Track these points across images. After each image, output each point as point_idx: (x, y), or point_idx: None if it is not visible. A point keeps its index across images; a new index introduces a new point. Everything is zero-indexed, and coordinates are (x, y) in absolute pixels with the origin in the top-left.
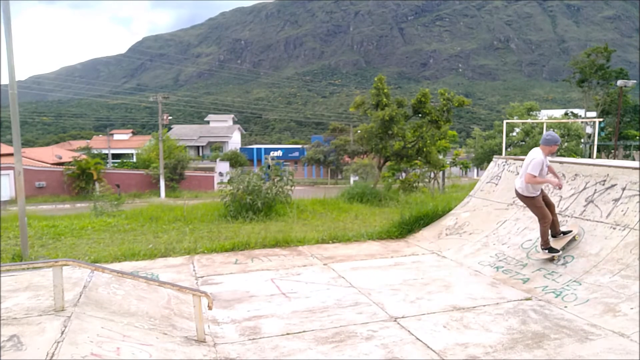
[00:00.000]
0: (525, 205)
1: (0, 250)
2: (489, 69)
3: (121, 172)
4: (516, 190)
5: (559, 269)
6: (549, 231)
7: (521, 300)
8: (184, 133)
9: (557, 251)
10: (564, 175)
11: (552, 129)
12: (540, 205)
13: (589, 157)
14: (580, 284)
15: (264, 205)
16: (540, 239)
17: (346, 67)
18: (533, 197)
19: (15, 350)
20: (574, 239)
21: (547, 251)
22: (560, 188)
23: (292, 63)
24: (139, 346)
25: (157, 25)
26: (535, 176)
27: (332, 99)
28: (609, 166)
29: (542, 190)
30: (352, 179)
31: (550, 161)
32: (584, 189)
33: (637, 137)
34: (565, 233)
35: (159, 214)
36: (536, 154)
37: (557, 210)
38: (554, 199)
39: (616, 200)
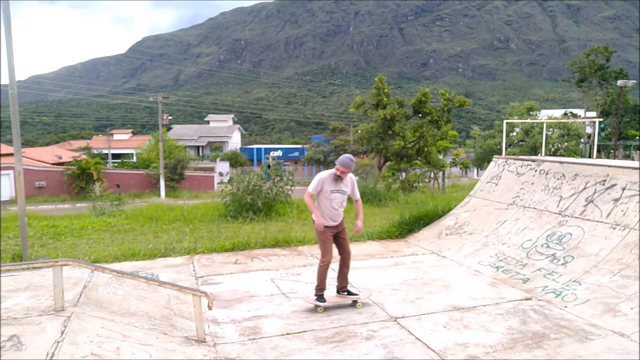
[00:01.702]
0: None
1: (0, 250)
2: (489, 69)
3: (121, 172)
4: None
5: (559, 269)
6: (326, 277)
7: (521, 300)
8: (184, 133)
9: (324, 302)
10: (563, 175)
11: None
12: (324, 239)
13: (589, 157)
14: (580, 284)
15: (264, 205)
16: (316, 279)
17: (346, 67)
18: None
19: (15, 350)
20: (355, 305)
21: (315, 298)
22: (319, 229)
23: (292, 63)
24: (139, 346)
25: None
26: (310, 194)
27: (332, 99)
28: (609, 166)
29: (342, 230)
30: None
31: (551, 161)
32: (584, 189)
33: (637, 137)
34: (350, 294)
35: (159, 214)
36: (323, 172)
37: (557, 209)
38: (553, 199)
39: (616, 200)
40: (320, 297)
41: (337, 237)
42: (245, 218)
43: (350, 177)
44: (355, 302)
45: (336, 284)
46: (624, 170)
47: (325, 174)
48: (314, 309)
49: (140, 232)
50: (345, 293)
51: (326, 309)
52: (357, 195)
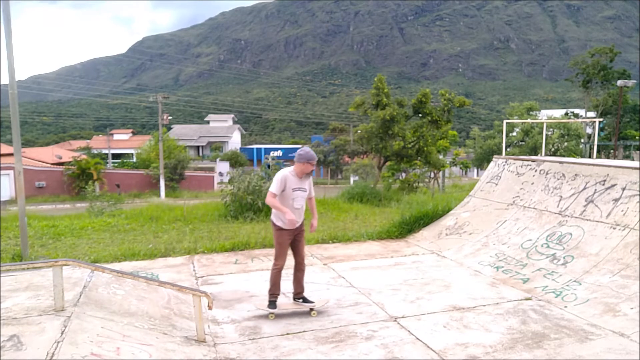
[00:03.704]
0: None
1: (0, 250)
2: (489, 69)
3: (121, 172)
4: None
5: (559, 269)
6: (280, 282)
7: (521, 300)
8: (184, 133)
9: (274, 308)
10: (563, 175)
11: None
12: (281, 242)
13: (589, 157)
14: (580, 284)
15: (264, 205)
16: (268, 284)
17: (346, 67)
18: (279, 228)
19: (15, 350)
20: (310, 312)
21: (267, 304)
22: (292, 227)
23: (292, 63)
24: (139, 346)
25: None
26: (273, 194)
27: (332, 99)
28: (609, 166)
29: (301, 232)
30: (352, 179)
31: (551, 161)
32: (584, 189)
33: (637, 137)
34: (306, 301)
35: (159, 214)
36: (282, 170)
37: (557, 209)
38: (553, 199)
39: (616, 200)
40: (272, 303)
41: (293, 240)
42: (246, 218)
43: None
44: (311, 309)
45: (279, 282)
46: (624, 170)
47: (287, 171)
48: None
49: (140, 232)
50: (301, 300)
51: (326, 308)
52: (313, 193)
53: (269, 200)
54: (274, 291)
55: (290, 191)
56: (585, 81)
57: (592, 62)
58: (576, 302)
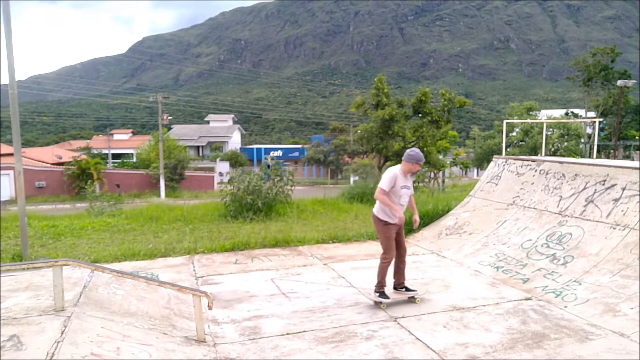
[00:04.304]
0: (376, 230)
1: (0, 250)
2: (489, 69)
3: (121, 172)
4: (372, 213)
5: (559, 269)
6: (387, 275)
7: (521, 300)
8: (184, 133)
9: (387, 298)
10: (563, 175)
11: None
12: (389, 236)
13: (589, 157)
14: (580, 284)
15: (264, 205)
16: (376, 277)
17: (346, 67)
18: (385, 223)
19: (15, 350)
20: (414, 300)
21: (377, 295)
22: (400, 223)
23: (292, 63)
24: (139, 346)
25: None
26: (384, 191)
27: (332, 99)
28: (609, 166)
29: (400, 226)
30: (352, 179)
31: (551, 161)
32: (584, 189)
33: (637, 138)
34: (408, 289)
35: (159, 214)
36: (392, 169)
37: (557, 209)
38: (553, 199)
39: (616, 200)
40: (382, 293)
41: (396, 234)
42: (245, 218)
43: None
44: (413, 298)
45: (386, 275)
46: (624, 170)
47: (397, 170)
48: (314, 309)
49: (140, 232)
50: (404, 289)
51: (326, 308)
52: (412, 190)
53: (379, 196)
54: (383, 283)
55: (399, 188)
56: (586, 79)
57: (593, 62)
58: (576, 302)
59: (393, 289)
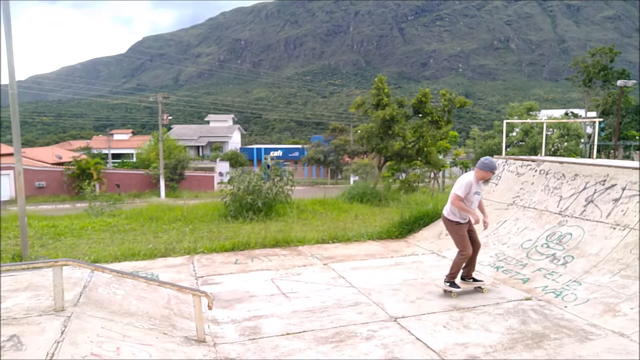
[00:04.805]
0: (448, 231)
1: (0, 250)
2: (489, 69)
3: (121, 172)
4: (442, 215)
5: (559, 269)
6: (461, 270)
7: (521, 300)
8: (184, 133)
9: (458, 288)
10: (563, 175)
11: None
12: (463, 234)
13: (589, 157)
14: (580, 284)
15: (264, 205)
16: (450, 269)
17: (346, 67)
18: (457, 222)
19: (15, 350)
20: (481, 290)
21: (448, 284)
22: (477, 223)
23: (292, 63)
24: (139, 346)
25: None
26: (460, 197)
27: (332, 99)
28: (609, 166)
29: (470, 223)
30: (352, 179)
31: (551, 161)
32: (584, 189)
33: (637, 138)
34: (475, 280)
35: (159, 214)
36: (467, 175)
37: (557, 209)
38: (553, 199)
39: (616, 200)
40: (452, 283)
41: (469, 232)
42: (245, 218)
43: None
44: (480, 287)
45: (460, 270)
46: (624, 170)
47: (471, 177)
48: (314, 309)
49: (140, 232)
50: (471, 280)
51: (326, 308)
52: (482, 195)
53: (455, 202)
54: (455, 275)
55: (472, 194)
56: (586, 79)
57: (592, 62)
58: (576, 302)
59: (461, 279)
